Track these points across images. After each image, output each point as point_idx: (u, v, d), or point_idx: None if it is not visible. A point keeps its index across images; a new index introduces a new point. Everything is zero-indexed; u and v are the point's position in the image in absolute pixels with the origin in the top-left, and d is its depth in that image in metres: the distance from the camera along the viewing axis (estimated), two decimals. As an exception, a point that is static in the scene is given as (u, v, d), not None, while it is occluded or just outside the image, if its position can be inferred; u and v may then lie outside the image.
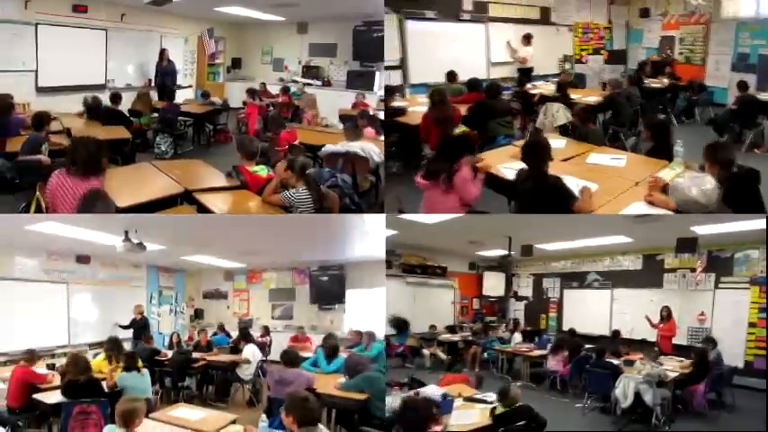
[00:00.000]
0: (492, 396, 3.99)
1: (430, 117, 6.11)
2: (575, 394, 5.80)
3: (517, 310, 9.60)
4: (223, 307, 10.11)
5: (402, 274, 8.59)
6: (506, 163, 4.52)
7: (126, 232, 4.95)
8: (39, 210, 4.21)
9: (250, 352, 6.32)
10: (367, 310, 7.61)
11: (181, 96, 10.24)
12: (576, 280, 8.74)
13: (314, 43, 12.17)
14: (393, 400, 3.68)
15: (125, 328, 7.56)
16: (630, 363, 5.43)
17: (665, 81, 10.19)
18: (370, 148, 5.72)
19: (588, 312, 8.23)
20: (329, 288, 8.92)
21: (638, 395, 4.76)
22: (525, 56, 10.68)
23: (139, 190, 4.47)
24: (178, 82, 10.84)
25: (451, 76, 8.78)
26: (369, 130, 6.68)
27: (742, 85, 8.54)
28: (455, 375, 5.45)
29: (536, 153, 3.80)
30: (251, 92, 9.89)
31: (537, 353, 6.83)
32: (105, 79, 9.67)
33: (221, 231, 6.07)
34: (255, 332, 7.96)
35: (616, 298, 8.08)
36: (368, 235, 6.16)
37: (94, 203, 3.18)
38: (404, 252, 8.62)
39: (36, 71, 8.43)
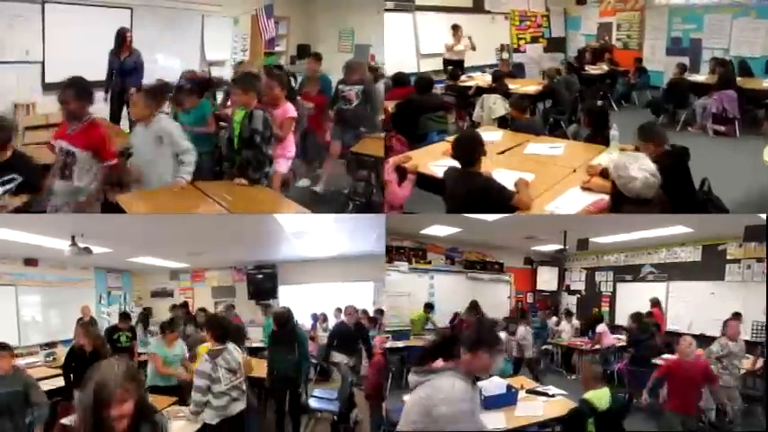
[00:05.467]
0: (553, 389, 4.33)
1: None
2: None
3: (570, 304, 9.97)
4: (170, 305, 10.50)
5: (464, 270, 9.47)
6: (438, 161, 4.55)
7: (73, 237, 5.14)
8: None
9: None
10: (299, 305, 8.18)
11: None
12: (629, 273, 9.00)
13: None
14: None
15: None
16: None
17: (605, 67, 11.22)
18: None
19: (642, 306, 8.26)
20: (264, 285, 10.11)
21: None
22: (462, 50, 10.44)
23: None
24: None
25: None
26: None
27: (681, 67, 9.51)
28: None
29: (465, 149, 3.73)
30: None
31: (591, 347, 7.22)
32: (130, 71, 8.48)
33: (165, 234, 6.22)
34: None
35: (672, 291, 8.08)
36: (289, 240, 6.78)
37: None
38: (465, 249, 9.47)
39: (43, 63, 7.21)
